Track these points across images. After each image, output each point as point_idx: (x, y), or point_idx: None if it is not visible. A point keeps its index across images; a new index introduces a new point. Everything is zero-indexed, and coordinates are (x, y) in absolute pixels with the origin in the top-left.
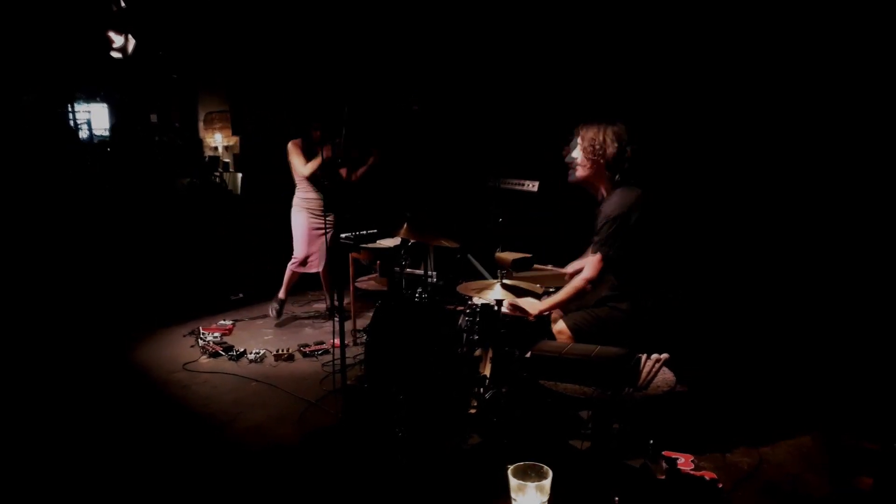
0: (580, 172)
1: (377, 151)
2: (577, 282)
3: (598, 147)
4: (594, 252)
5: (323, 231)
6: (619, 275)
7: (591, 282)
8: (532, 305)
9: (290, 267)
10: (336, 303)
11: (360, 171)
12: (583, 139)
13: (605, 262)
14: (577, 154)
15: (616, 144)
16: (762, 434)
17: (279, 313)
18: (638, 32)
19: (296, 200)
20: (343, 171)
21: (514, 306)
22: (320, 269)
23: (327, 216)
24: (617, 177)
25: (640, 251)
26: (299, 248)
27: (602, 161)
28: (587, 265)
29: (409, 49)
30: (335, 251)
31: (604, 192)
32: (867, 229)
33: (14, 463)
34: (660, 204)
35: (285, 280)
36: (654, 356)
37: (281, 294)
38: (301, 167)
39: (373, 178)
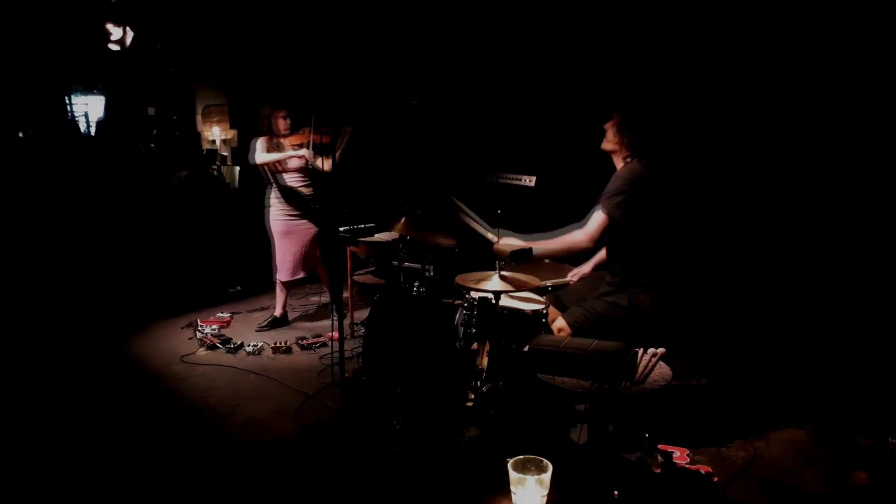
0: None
1: (349, 128)
2: (578, 235)
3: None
4: (598, 209)
5: (306, 228)
6: (622, 259)
7: (593, 241)
8: (516, 244)
9: (280, 279)
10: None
11: (339, 150)
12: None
13: (610, 222)
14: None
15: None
16: (757, 428)
17: (271, 325)
18: (636, 30)
19: (272, 201)
20: (325, 159)
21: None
22: (305, 272)
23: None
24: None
25: (641, 227)
26: (286, 255)
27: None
28: (590, 220)
29: (408, 43)
30: (333, 245)
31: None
32: (863, 226)
33: (10, 454)
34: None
35: (280, 297)
36: (651, 350)
37: (278, 311)
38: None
39: (360, 160)
